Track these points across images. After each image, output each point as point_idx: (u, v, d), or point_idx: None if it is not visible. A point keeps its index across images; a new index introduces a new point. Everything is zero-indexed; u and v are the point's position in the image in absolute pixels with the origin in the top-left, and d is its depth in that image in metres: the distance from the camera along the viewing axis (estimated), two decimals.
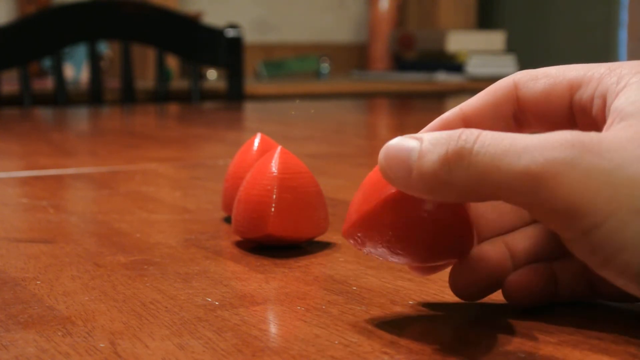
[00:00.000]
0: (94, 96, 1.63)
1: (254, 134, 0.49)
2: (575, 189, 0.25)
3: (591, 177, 0.25)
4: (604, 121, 0.30)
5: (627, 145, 0.26)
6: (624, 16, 2.54)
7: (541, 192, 0.26)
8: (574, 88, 0.31)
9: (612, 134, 0.27)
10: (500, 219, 0.34)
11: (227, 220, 0.50)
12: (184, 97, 1.81)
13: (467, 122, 0.33)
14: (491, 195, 0.27)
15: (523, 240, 0.33)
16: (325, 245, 0.44)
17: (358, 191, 0.32)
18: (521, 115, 0.33)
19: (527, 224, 0.34)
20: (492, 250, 0.33)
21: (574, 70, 0.32)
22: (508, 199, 0.27)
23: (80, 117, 1.43)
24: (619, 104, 0.29)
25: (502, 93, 0.33)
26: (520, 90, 0.32)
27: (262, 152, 0.47)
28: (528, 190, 0.26)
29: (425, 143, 0.28)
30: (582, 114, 0.31)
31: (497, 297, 0.34)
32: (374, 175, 0.31)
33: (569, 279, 0.33)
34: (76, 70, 2.21)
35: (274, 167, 0.42)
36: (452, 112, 0.33)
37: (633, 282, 0.26)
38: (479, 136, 0.27)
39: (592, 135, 0.26)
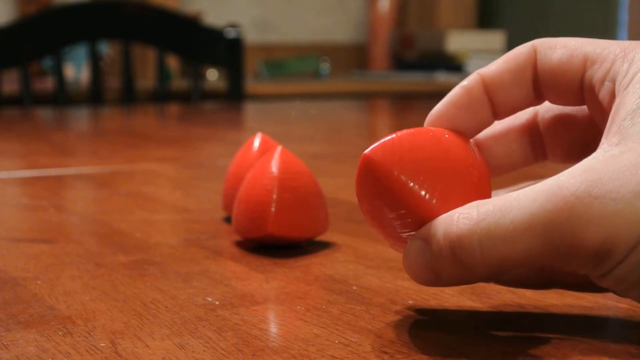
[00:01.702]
0: (94, 96, 1.63)
1: (254, 134, 0.49)
2: (595, 240, 0.26)
3: (606, 225, 0.26)
4: (609, 104, 0.30)
5: (629, 177, 0.27)
6: (624, 16, 2.54)
7: (565, 252, 0.27)
8: (588, 63, 0.31)
9: (611, 164, 0.27)
10: (508, 157, 0.34)
11: (228, 220, 0.50)
12: (184, 97, 1.81)
13: (488, 89, 0.32)
14: (519, 267, 0.28)
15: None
16: (325, 245, 0.44)
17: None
18: (537, 84, 0.32)
19: (531, 163, 0.34)
20: None
21: (592, 45, 0.31)
22: (533, 264, 0.28)
23: (80, 117, 1.43)
24: (620, 115, 0.29)
25: (523, 59, 0.32)
26: (538, 58, 0.32)
27: (262, 152, 0.47)
28: (551, 255, 0.27)
29: (433, 246, 0.28)
30: (590, 93, 0.31)
31: (497, 297, 0.34)
32: None
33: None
34: (76, 70, 2.22)
35: (274, 167, 0.42)
36: (472, 79, 0.33)
37: None
38: (479, 223, 0.27)
39: (588, 174, 0.27)
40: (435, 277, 0.29)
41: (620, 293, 0.28)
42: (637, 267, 0.27)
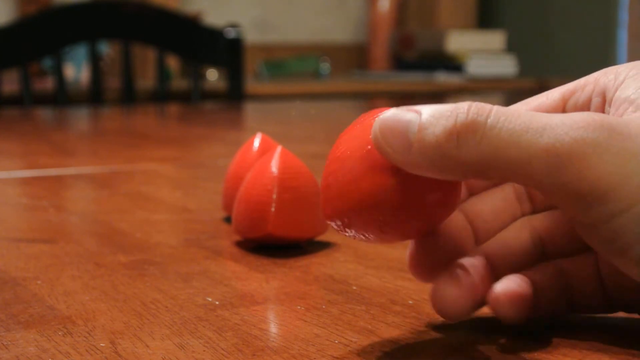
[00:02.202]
0: (94, 96, 1.63)
1: (254, 134, 0.49)
2: (605, 171, 0.24)
3: (623, 161, 0.24)
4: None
5: None
6: (624, 16, 2.54)
7: (566, 172, 0.25)
8: (566, 97, 0.31)
9: (635, 119, 0.26)
10: (496, 218, 0.32)
11: (228, 220, 0.50)
12: (184, 97, 1.81)
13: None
14: (504, 174, 0.26)
15: (502, 249, 0.31)
16: (325, 245, 0.44)
17: (334, 159, 0.29)
18: None
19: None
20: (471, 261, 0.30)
21: (565, 85, 0.31)
22: (524, 179, 0.25)
23: (80, 117, 1.43)
24: (626, 94, 0.28)
25: None
26: None
27: (262, 152, 0.47)
28: (550, 170, 0.25)
29: (425, 115, 0.26)
30: None
31: None
32: (354, 143, 0.28)
33: (549, 292, 0.30)
34: (76, 70, 2.22)
35: (274, 167, 0.42)
36: None
37: None
38: (493, 110, 0.25)
39: (618, 118, 0.25)
40: (406, 148, 0.26)
41: (607, 255, 0.26)
42: (635, 226, 0.24)
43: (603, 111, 0.30)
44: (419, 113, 0.26)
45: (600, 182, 0.24)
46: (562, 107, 0.31)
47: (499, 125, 0.25)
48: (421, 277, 0.30)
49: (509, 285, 0.29)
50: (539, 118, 0.25)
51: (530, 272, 0.30)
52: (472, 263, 0.30)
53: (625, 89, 0.28)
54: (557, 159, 0.25)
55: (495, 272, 0.31)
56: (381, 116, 0.27)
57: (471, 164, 0.25)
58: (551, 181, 0.25)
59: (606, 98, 0.29)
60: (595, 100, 0.30)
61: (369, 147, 0.27)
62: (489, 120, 0.25)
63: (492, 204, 0.32)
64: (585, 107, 0.30)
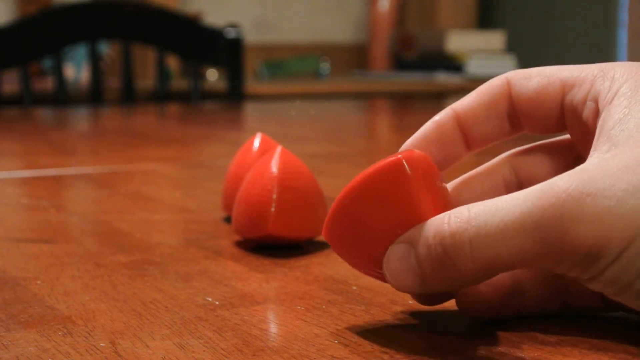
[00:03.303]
0: (94, 96, 1.63)
1: (254, 134, 0.49)
2: (587, 238, 0.26)
3: (600, 222, 0.26)
4: (594, 123, 0.30)
5: (622, 176, 0.26)
6: (624, 16, 2.54)
7: (558, 252, 0.26)
8: (566, 88, 0.31)
9: (604, 164, 0.27)
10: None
11: (227, 220, 0.50)
12: (184, 97, 1.81)
13: (461, 123, 0.32)
14: (508, 270, 0.28)
15: None
16: (325, 245, 0.44)
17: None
18: (513, 114, 0.32)
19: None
20: None
21: (567, 70, 0.31)
22: (524, 267, 0.27)
23: (80, 117, 1.43)
24: (608, 127, 0.29)
25: (495, 92, 0.32)
26: (513, 88, 0.32)
27: (262, 152, 0.47)
28: (542, 254, 0.26)
29: (419, 248, 0.28)
30: (572, 116, 0.31)
31: None
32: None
33: (539, 291, 0.31)
34: (76, 70, 2.22)
35: (274, 167, 0.42)
36: (444, 114, 0.33)
37: None
38: (470, 221, 0.27)
39: (581, 175, 0.27)
40: (419, 281, 0.28)
41: (612, 296, 0.28)
42: (630, 267, 0.26)
43: (595, 118, 0.30)
44: (412, 244, 0.28)
45: (587, 248, 0.26)
46: (561, 99, 0.31)
47: (482, 235, 0.27)
48: (427, 303, 0.32)
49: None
50: (515, 208, 0.26)
51: (520, 271, 0.31)
52: None
53: (610, 114, 0.29)
54: (545, 246, 0.26)
55: None
56: (385, 263, 0.29)
57: (472, 275, 0.27)
58: (548, 264, 0.27)
59: (598, 106, 0.30)
60: (589, 105, 0.30)
61: None
62: (471, 235, 0.27)
63: (480, 190, 0.33)
64: (580, 107, 0.31)
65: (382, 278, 0.29)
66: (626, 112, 0.28)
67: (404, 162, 0.28)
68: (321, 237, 0.45)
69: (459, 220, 0.27)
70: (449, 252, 0.27)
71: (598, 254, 0.26)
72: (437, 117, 0.33)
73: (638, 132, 0.28)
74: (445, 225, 0.27)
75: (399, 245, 0.28)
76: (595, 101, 0.30)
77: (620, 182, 0.26)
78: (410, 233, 0.28)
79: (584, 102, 0.30)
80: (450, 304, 0.34)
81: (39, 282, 0.37)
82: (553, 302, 0.32)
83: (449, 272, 0.27)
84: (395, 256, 0.28)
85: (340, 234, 0.30)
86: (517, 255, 0.26)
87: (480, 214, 0.27)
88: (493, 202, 0.27)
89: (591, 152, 0.29)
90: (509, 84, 0.32)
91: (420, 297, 0.31)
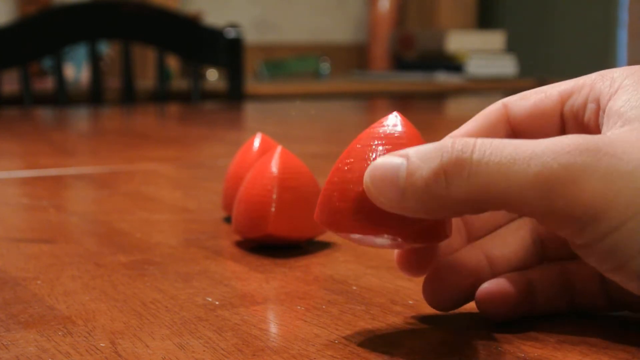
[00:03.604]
0: (94, 96, 1.63)
1: (254, 134, 0.49)
2: (595, 193, 0.25)
3: (611, 180, 0.25)
4: (596, 124, 0.30)
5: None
6: (624, 16, 2.54)
7: (557, 198, 0.25)
8: (564, 98, 0.31)
9: (622, 136, 0.26)
10: (492, 215, 0.33)
11: (228, 220, 0.50)
12: (184, 97, 1.81)
13: None
14: (496, 206, 0.26)
15: (501, 247, 0.32)
16: (325, 245, 0.44)
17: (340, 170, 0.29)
18: (514, 136, 0.32)
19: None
20: (467, 258, 0.31)
21: (564, 83, 0.32)
22: (517, 209, 0.26)
23: (80, 117, 1.43)
24: (617, 106, 0.28)
25: (493, 116, 0.32)
26: (511, 110, 0.32)
27: (262, 152, 0.47)
28: (542, 198, 0.25)
29: (412, 158, 0.26)
30: (573, 122, 0.31)
31: None
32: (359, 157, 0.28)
33: (548, 290, 0.31)
34: (76, 70, 2.22)
35: (274, 167, 0.42)
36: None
37: None
38: (476, 144, 0.26)
39: (603, 137, 0.26)
40: (399, 194, 0.26)
41: (606, 273, 0.26)
42: (630, 241, 0.25)
43: (597, 118, 0.30)
44: (407, 157, 0.27)
45: (591, 204, 0.25)
46: (560, 109, 0.31)
47: (485, 160, 0.26)
48: (409, 273, 0.31)
49: (490, 285, 0.30)
50: (524, 147, 0.26)
51: (530, 270, 0.31)
52: (470, 258, 0.31)
53: (617, 100, 0.29)
54: (547, 187, 0.25)
55: (495, 269, 0.31)
56: (370, 166, 0.27)
57: (463, 201, 0.26)
58: (543, 209, 0.25)
59: (600, 105, 0.30)
60: (590, 106, 0.30)
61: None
62: (474, 156, 0.26)
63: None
64: (581, 111, 0.31)
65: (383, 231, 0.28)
66: (633, 95, 0.28)
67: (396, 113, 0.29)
68: (321, 237, 0.45)
69: (464, 142, 0.26)
70: (446, 168, 0.26)
71: (599, 215, 0.25)
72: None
73: None
74: (449, 145, 0.26)
75: (392, 156, 0.27)
76: (597, 101, 0.30)
77: (638, 151, 0.25)
78: (406, 149, 0.27)
79: (585, 105, 0.30)
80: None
81: (39, 282, 0.37)
82: (560, 301, 0.31)
83: (437, 191, 0.26)
84: (384, 164, 0.27)
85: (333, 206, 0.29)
86: (515, 191, 0.25)
87: (488, 143, 0.26)
88: (504, 140, 0.26)
89: (603, 132, 0.28)
90: (505, 106, 0.32)
91: (403, 263, 0.30)
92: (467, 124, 0.33)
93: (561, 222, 0.26)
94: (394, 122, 0.29)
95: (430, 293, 0.31)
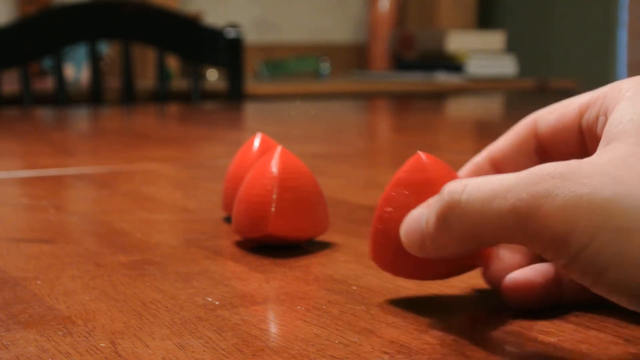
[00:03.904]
0: (94, 96, 1.63)
1: (254, 134, 0.49)
2: (558, 218, 0.26)
3: (571, 205, 0.26)
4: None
5: (607, 168, 0.27)
6: (624, 16, 2.54)
7: (529, 226, 0.27)
8: (582, 110, 0.33)
9: (595, 158, 0.28)
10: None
11: (228, 220, 0.50)
12: (184, 97, 1.81)
13: (495, 163, 0.36)
14: (489, 239, 0.29)
15: None
16: (325, 245, 0.44)
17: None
18: (541, 149, 0.35)
19: None
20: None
21: (586, 95, 0.33)
22: (504, 239, 0.28)
23: (80, 117, 1.43)
24: (609, 122, 0.30)
25: (523, 130, 0.35)
26: (539, 125, 0.34)
27: (262, 152, 0.47)
28: (519, 227, 0.27)
29: (431, 209, 0.30)
30: (590, 136, 0.33)
31: (498, 298, 0.34)
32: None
33: (574, 281, 0.31)
34: (76, 70, 2.22)
35: (274, 167, 0.42)
36: (480, 156, 0.37)
37: (624, 297, 0.26)
38: (466, 186, 0.29)
39: (571, 163, 0.27)
40: (421, 243, 0.31)
41: (590, 287, 0.27)
42: (601, 255, 0.26)
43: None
44: (429, 206, 0.31)
45: (555, 228, 0.26)
46: (579, 123, 0.33)
47: (471, 199, 0.28)
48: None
49: (517, 275, 0.32)
50: (506, 181, 0.28)
51: None
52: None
53: (613, 114, 0.30)
54: (520, 216, 0.27)
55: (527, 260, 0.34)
56: (404, 221, 0.32)
57: (462, 238, 0.29)
58: (522, 236, 0.28)
59: (607, 118, 0.31)
60: (601, 119, 0.32)
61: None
62: (462, 197, 0.29)
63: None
64: (594, 124, 0.32)
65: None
66: (627, 109, 0.29)
67: (420, 153, 0.34)
68: (321, 237, 0.45)
69: (456, 184, 0.29)
70: (445, 212, 0.29)
71: (566, 237, 0.26)
72: (475, 159, 0.37)
73: (631, 125, 0.28)
74: (445, 190, 0.29)
75: (419, 208, 0.31)
76: (606, 114, 0.31)
77: (602, 173, 0.27)
78: (430, 199, 0.31)
79: (597, 118, 0.32)
80: (451, 304, 0.34)
81: (39, 282, 0.37)
82: (586, 293, 0.31)
83: (444, 235, 0.29)
84: (413, 215, 0.31)
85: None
86: (498, 224, 0.28)
87: (475, 182, 0.29)
88: (490, 176, 0.29)
89: (597, 149, 0.30)
90: (535, 121, 0.35)
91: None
92: (502, 138, 0.36)
93: (539, 246, 0.27)
94: (418, 167, 0.34)
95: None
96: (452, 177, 0.33)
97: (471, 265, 0.33)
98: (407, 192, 0.33)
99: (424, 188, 0.33)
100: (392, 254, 0.33)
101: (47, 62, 2.13)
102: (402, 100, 1.97)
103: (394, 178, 0.34)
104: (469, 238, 0.29)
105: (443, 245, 0.30)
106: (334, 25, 2.80)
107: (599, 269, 0.26)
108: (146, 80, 2.14)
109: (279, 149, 0.43)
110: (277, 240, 0.42)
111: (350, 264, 0.40)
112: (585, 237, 0.26)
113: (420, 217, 0.31)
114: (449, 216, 0.29)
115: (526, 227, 0.27)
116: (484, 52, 2.52)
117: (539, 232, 0.27)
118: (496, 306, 0.33)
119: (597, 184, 0.26)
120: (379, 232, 0.34)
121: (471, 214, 0.28)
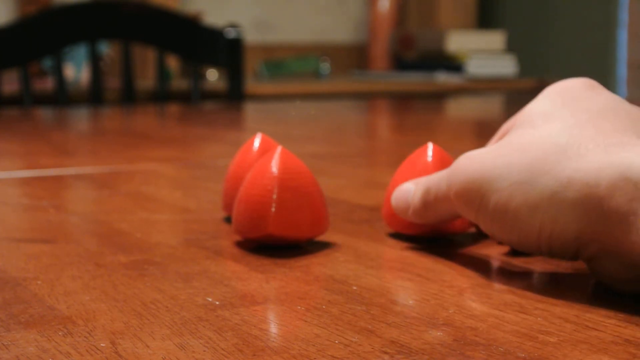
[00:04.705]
0: (94, 96, 1.63)
1: (254, 134, 0.49)
2: (457, 184, 0.38)
3: (465, 174, 0.38)
4: None
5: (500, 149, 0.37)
6: (624, 16, 2.54)
7: (456, 203, 0.39)
8: None
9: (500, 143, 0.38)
10: None
11: (228, 220, 0.50)
12: (184, 97, 1.81)
13: None
14: (450, 216, 0.41)
15: None
16: (325, 245, 0.44)
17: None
18: None
19: None
20: None
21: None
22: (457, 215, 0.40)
23: (80, 117, 1.43)
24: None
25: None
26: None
27: (262, 152, 0.47)
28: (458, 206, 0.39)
29: (417, 186, 0.42)
30: None
31: (497, 297, 0.34)
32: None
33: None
34: (76, 70, 2.22)
35: (274, 167, 0.42)
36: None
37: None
38: (449, 173, 0.40)
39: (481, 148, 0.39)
40: (405, 210, 0.42)
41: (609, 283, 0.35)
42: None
43: None
44: (416, 183, 0.42)
45: (455, 192, 0.39)
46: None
47: (457, 180, 0.38)
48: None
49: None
50: (440, 175, 0.41)
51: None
52: None
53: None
54: (448, 188, 0.41)
55: None
56: (394, 191, 0.43)
57: (434, 216, 0.42)
58: (459, 210, 0.40)
59: None
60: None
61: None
62: (447, 180, 0.39)
63: None
64: None
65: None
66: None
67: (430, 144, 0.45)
68: (321, 237, 0.45)
69: (434, 180, 0.41)
70: (424, 196, 0.41)
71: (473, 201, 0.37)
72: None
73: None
74: (425, 183, 0.42)
75: (408, 183, 0.43)
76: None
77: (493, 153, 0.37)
78: (418, 179, 0.42)
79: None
80: (451, 305, 0.34)
81: (39, 282, 0.37)
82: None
83: (422, 210, 0.41)
84: (403, 188, 0.43)
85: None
86: (448, 207, 0.40)
87: (458, 165, 0.39)
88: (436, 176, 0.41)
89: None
90: None
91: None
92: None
93: (460, 207, 0.39)
94: (428, 154, 0.44)
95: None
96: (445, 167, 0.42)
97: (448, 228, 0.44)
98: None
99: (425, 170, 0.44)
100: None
101: (47, 62, 2.13)
102: (402, 100, 1.97)
103: (409, 158, 0.45)
104: (438, 216, 0.41)
105: (422, 216, 0.41)
106: (334, 25, 2.80)
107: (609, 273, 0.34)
108: (146, 80, 2.14)
109: (279, 149, 0.43)
110: (277, 240, 0.42)
111: (350, 264, 0.40)
112: (478, 198, 0.37)
113: (408, 191, 0.42)
114: (426, 199, 0.41)
115: (456, 204, 0.38)
116: (484, 52, 2.52)
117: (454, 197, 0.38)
118: (497, 306, 0.33)
119: (481, 157, 0.38)
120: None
121: (440, 205, 0.40)
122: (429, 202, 0.40)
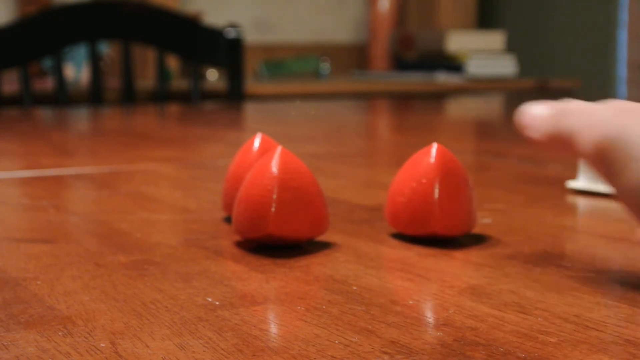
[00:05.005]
0: (94, 96, 1.63)
1: (254, 134, 0.49)
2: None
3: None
4: None
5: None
6: (624, 16, 2.54)
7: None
8: None
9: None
10: None
11: (228, 220, 0.50)
12: (184, 97, 1.81)
13: None
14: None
15: None
16: (325, 245, 0.44)
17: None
18: None
19: None
20: None
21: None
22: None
23: (80, 117, 1.43)
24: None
25: None
26: None
27: (262, 152, 0.47)
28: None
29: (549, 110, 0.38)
30: None
31: (497, 297, 0.34)
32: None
33: None
34: (76, 70, 2.22)
35: (274, 167, 0.42)
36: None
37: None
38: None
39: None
40: (540, 124, 0.37)
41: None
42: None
43: None
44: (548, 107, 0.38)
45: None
46: None
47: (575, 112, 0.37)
48: None
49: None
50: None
51: None
52: None
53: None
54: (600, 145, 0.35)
55: None
56: (528, 109, 0.38)
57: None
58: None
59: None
60: None
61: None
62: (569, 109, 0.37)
63: None
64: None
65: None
66: None
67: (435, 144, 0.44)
68: (321, 237, 0.45)
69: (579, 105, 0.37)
70: (558, 113, 0.37)
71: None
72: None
73: None
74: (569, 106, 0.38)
75: (541, 106, 0.38)
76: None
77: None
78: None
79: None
80: (451, 304, 0.34)
81: (39, 282, 0.37)
82: None
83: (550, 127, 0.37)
84: (537, 108, 0.38)
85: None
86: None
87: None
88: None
89: None
90: None
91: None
92: None
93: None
94: (432, 154, 0.44)
95: None
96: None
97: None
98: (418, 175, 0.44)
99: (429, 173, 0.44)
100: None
101: (47, 62, 2.13)
102: (402, 100, 1.97)
103: (412, 158, 0.45)
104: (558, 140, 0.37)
105: (551, 133, 0.37)
106: (334, 25, 2.79)
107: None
108: (146, 80, 2.14)
109: (279, 149, 0.43)
110: (277, 240, 0.42)
111: (350, 264, 0.40)
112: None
113: (542, 110, 0.37)
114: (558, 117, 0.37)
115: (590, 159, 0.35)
116: (483, 52, 2.52)
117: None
118: (496, 305, 0.33)
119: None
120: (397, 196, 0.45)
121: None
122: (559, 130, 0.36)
